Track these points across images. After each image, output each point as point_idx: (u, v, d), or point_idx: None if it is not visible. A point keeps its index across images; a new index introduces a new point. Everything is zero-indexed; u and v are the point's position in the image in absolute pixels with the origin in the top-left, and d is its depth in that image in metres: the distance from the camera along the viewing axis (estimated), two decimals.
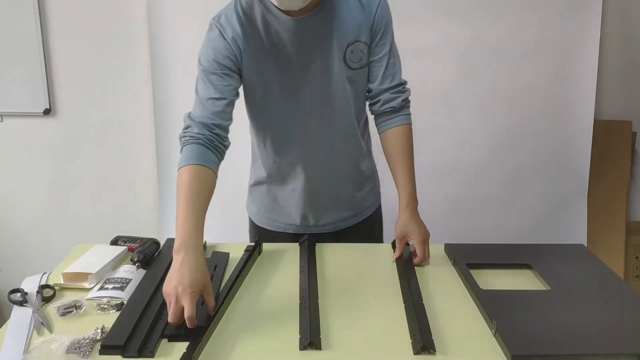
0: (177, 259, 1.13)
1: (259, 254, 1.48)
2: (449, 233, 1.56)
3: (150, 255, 1.40)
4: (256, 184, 1.64)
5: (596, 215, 2.61)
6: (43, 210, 2.70)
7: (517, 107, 2.51)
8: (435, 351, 1.04)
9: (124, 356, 1.02)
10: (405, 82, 1.50)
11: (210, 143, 1.31)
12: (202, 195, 1.24)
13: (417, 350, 1.04)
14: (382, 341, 1.09)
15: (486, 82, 2.47)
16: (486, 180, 2.55)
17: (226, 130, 1.36)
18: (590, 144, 2.54)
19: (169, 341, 1.08)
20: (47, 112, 2.54)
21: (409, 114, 1.51)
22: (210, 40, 1.38)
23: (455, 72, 2.46)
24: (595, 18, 2.43)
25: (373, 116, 1.54)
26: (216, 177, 1.31)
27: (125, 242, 1.51)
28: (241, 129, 1.57)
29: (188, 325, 1.07)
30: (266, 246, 1.52)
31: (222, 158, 1.36)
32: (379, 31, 1.42)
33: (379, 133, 1.53)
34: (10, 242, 2.73)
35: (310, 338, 1.06)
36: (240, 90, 1.43)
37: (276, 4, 1.28)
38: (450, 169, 2.52)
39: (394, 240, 1.47)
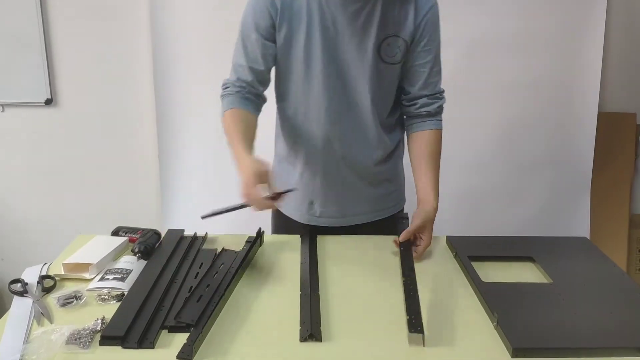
0: (239, 170, 1.25)
1: (260, 245, 1.48)
2: (451, 225, 1.56)
3: (151, 246, 1.40)
4: (277, 160, 1.64)
5: (599, 208, 2.61)
6: (44, 200, 2.70)
7: (521, 99, 2.50)
8: (422, 332, 1.04)
9: (124, 347, 1.02)
10: (443, 91, 1.50)
11: (241, 94, 1.42)
12: (243, 124, 1.38)
13: (412, 333, 1.04)
14: (384, 333, 1.09)
15: (490, 74, 2.46)
16: (489, 172, 2.55)
17: (258, 83, 1.43)
18: (594, 136, 2.53)
19: (169, 332, 1.07)
20: (48, 102, 2.53)
21: (441, 120, 1.51)
22: (252, 2, 1.40)
23: (458, 65, 2.44)
24: (600, 10, 2.42)
25: (405, 116, 1.54)
26: (254, 115, 1.44)
27: (126, 233, 1.50)
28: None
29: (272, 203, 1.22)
30: (267, 237, 1.51)
31: (259, 108, 1.47)
32: (425, 35, 1.40)
33: (409, 134, 1.52)
34: (11, 232, 2.74)
35: (311, 330, 1.06)
36: None
37: None
38: (453, 160, 2.50)
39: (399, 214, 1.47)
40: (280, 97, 1.51)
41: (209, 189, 2.52)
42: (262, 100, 1.48)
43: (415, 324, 1.06)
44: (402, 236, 1.40)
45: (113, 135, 2.61)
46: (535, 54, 2.44)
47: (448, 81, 2.40)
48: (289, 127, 1.53)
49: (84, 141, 2.61)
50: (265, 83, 1.46)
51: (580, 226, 2.59)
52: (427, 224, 1.41)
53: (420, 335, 1.04)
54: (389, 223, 1.63)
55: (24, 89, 2.51)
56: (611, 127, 2.57)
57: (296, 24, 1.37)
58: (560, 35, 2.43)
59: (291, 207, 1.62)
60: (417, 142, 1.50)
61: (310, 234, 1.50)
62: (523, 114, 2.51)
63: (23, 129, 2.59)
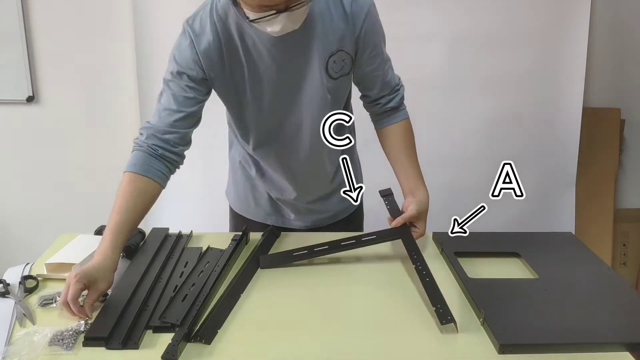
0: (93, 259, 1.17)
1: (246, 244, 1.47)
2: (436, 221, 1.56)
3: (135, 246, 1.38)
4: (234, 168, 1.63)
5: (584, 203, 2.63)
6: (27, 199, 2.66)
7: (506, 95, 2.50)
8: (454, 321, 1.07)
9: (108, 348, 1.01)
10: (399, 79, 1.49)
11: (155, 152, 1.30)
12: (132, 202, 1.25)
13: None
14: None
15: (475, 69, 2.46)
16: (474, 168, 2.55)
17: (181, 140, 1.34)
18: (579, 132, 2.54)
19: (154, 332, 1.07)
20: (30, 99, 2.50)
21: (406, 108, 1.51)
22: (181, 49, 1.31)
23: (443, 60, 2.44)
24: (584, 5, 2.43)
25: (369, 113, 1.52)
26: (159, 185, 1.30)
27: None
28: (222, 116, 1.53)
29: (72, 310, 1.08)
30: (253, 236, 1.50)
31: (173, 167, 1.35)
32: (368, 44, 1.35)
33: (379, 129, 1.51)
34: None
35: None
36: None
37: (274, 35, 1.20)
38: (438, 156, 2.51)
39: (385, 191, 1.48)
40: (235, 128, 1.48)
41: (193, 187, 2.50)
42: (181, 160, 1.37)
43: (443, 314, 1.08)
44: (397, 222, 1.37)
45: (96, 133, 2.58)
46: (520, 50, 2.45)
47: (432, 76, 2.44)
48: (248, 150, 1.51)
49: (66, 139, 2.58)
50: (189, 140, 1.37)
51: (565, 221, 2.61)
52: (422, 214, 1.40)
53: (452, 324, 1.06)
54: (350, 219, 1.67)
55: (5, 85, 2.48)
56: (596, 122, 2.59)
57: (237, 69, 1.32)
58: (545, 31, 2.44)
59: (261, 216, 1.63)
60: (391, 136, 1.49)
61: (270, 232, 1.49)
62: (508, 110, 2.51)
63: (4, 126, 2.55)
